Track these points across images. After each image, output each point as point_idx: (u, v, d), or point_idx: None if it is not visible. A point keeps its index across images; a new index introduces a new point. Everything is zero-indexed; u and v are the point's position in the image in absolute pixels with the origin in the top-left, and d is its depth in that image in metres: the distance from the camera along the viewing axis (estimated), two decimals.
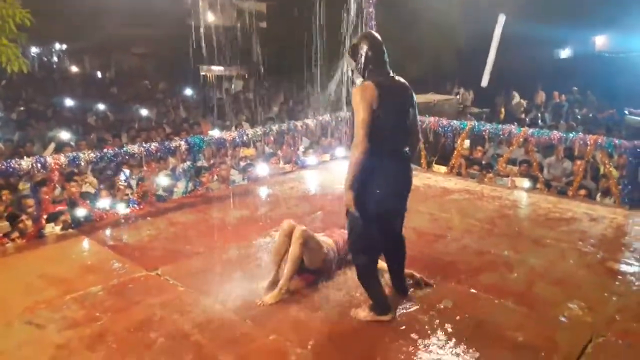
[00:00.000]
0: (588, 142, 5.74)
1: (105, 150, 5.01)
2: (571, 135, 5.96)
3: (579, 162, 6.30)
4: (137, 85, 18.08)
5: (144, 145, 5.08)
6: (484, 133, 6.25)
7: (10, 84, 16.42)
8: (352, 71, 3.31)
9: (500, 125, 6.40)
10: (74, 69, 22.48)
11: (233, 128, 9.84)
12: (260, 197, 6.14)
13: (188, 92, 16.27)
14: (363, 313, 3.36)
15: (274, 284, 3.65)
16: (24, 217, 5.24)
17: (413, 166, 3.37)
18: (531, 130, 6.11)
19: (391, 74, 3.19)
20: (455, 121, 6.44)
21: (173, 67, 18.75)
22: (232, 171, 6.91)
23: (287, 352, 3.05)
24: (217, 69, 20.81)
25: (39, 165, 4.45)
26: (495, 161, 6.45)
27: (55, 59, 23.85)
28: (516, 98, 14.23)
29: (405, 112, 3.20)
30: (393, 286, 3.62)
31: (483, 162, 6.82)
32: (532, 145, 6.02)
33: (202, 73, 21.20)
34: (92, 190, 6.30)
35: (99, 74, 21.77)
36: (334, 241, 3.89)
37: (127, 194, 5.39)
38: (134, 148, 4.99)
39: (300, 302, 3.57)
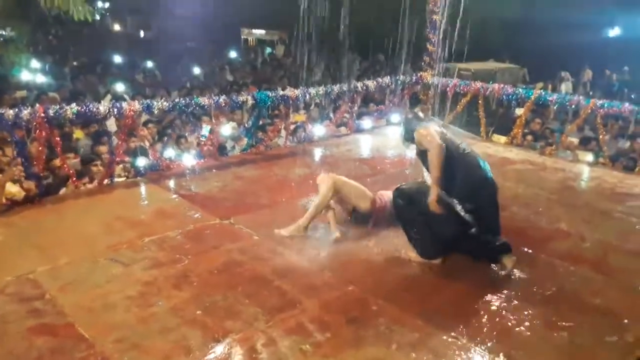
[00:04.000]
0: None
1: (177, 100, 5.07)
2: None
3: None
4: (180, 46, 18.09)
5: (214, 97, 5.12)
6: (550, 103, 6.09)
7: (57, 38, 16.64)
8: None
9: (568, 96, 6.23)
10: (117, 27, 22.64)
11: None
12: (318, 157, 6.16)
13: (232, 54, 16.24)
14: (413, 254, 3.60)
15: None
16: (98, 162, 5.37)
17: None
18: (600, 101, 5.92)
19: None
20: (521, 89, 6.28)
21: (213, 29, 18.66)
22: (282, 132, 6.82)
23: (368, 302, 3.10)
24: (258, 32, 20.73)
25: (115, 110, 4.53)
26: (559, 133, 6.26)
27: (97, 17, 24.07)
28: (566, 79, 13.69)
29: None
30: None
31: (541, 134, 6.65)
32: (601, 118, 5.83)
33: (243, 36, 21.14)
34: (147, 145, 6.38)
35: (142, 34, 21.90)
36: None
37: (194, 147, 5.46)
38: (204, 100, 5.03)
39: (374, 255, 3.66)
